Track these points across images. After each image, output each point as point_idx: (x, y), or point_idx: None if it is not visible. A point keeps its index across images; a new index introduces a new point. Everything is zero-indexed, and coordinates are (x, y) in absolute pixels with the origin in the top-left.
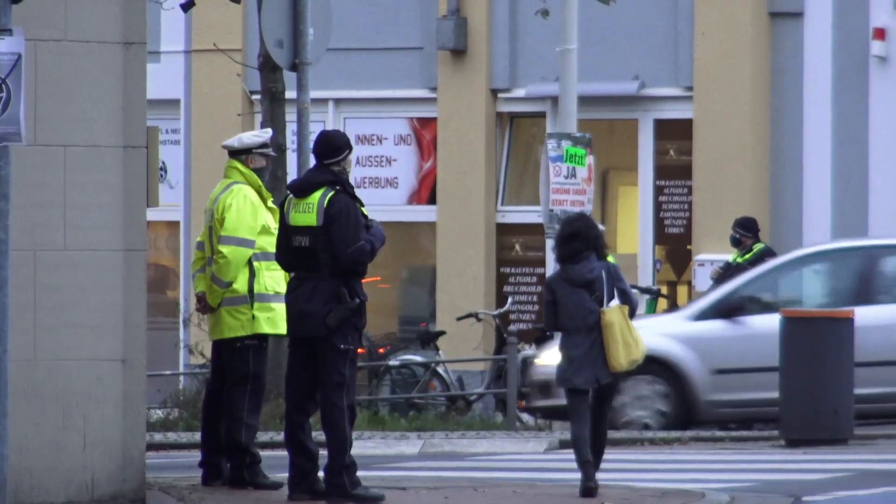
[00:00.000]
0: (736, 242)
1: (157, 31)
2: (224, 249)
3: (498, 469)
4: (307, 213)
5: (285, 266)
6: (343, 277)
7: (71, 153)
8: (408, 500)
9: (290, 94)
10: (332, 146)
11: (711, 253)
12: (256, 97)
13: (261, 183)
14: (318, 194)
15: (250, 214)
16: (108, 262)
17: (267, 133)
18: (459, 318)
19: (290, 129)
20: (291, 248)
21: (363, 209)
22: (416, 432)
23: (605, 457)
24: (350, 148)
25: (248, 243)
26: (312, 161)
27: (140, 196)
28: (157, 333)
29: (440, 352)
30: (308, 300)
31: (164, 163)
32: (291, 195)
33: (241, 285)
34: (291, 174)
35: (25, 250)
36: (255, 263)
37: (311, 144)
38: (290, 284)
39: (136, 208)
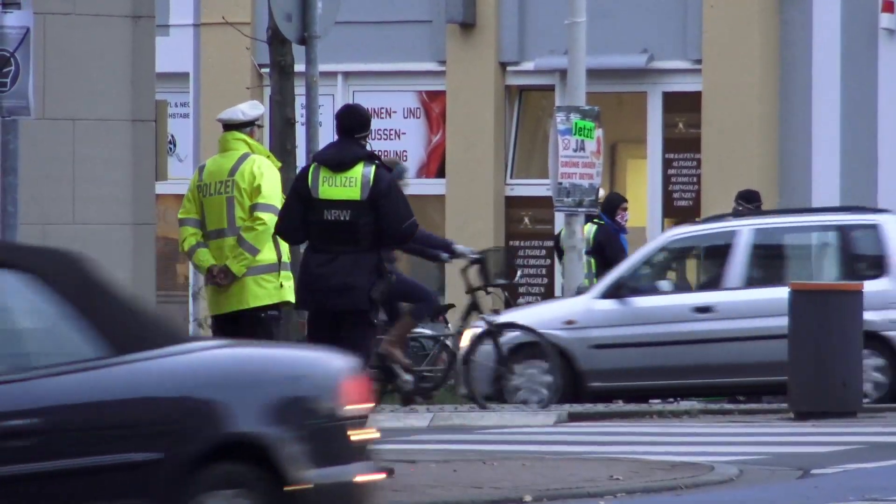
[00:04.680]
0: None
1: (166, 4)
2: (264, 216)
3: (507, 442)
4: (349, 186)
5: (299, 239)
6: (377, 251)
7: (80, 127)
8: (417, 473)
9: (299, 67)
10: (363, 120)
11: None
12: (265, 70)
13: (269, 153)
14: (359, 168)
15: (277, 184)
16: (118, 235)
17: (260, 105)
18: (469, 292)
19: (299, 102)
20: (323, 222)
21: None
22: (426, 405)
23: (614, 429)
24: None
25: (279, 211)
26: (323, 134)
27: (149, 169)
28: (166, 307)
29: (449, 325)
30: (349, 273)
31: (172, 136)
32: (321, 168)
33: (268, 254)
34: (301, 147)
35: (34, 224)
36: None
37: (334, 117)
38: (317, 258)
39: (144, 182)
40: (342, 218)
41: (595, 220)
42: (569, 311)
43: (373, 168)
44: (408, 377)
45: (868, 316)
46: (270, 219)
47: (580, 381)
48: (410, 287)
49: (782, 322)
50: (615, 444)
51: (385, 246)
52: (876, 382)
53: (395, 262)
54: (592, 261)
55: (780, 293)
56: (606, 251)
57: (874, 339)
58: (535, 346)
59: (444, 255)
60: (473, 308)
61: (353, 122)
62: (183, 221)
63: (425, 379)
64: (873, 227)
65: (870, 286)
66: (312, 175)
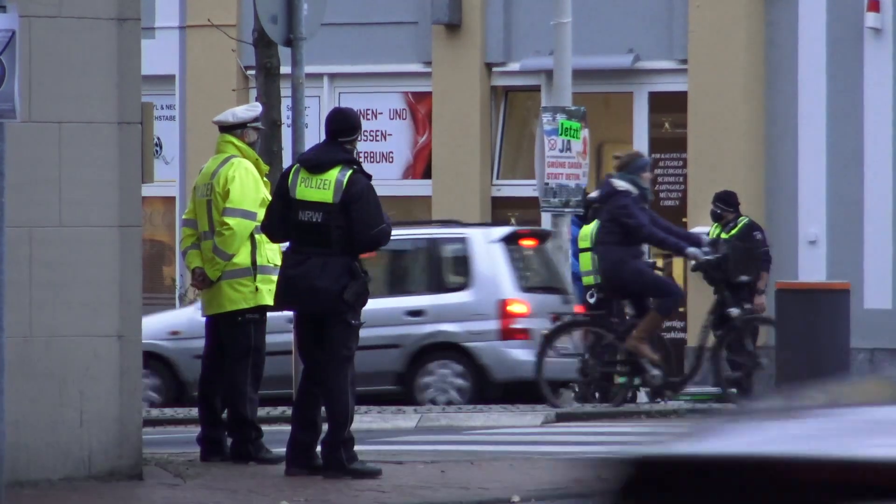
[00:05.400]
0: (717, 217)
1: (152, 6)
2: (230, 221)
3: (494, 442)
4: (323, 189)
5: (280, 238)
6: (352, 254)
7: (66, 129)
8: (404, 474)
9: (285, 69)
10: (349, 124)
11: (706, 225)
12: (251, 72)
13: (257, 156)
14: (335, 171)
15: (253, 187)
16: (104, 238)
17: (258, 107)
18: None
19: (285, 104)
20: (298, 223)
21: None
22: (413, 406)
23: (602, 429)
24: (361, 127)
25: (252, 215)
26: (308, 136)
27: (135, 172)
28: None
29: None
30: (318, 276)
31: (159, 138)
32: (301, 169)
33: (243, 258)
34: (287, 149)
35: (21, 227)
36: (257, 236)
37: (325, 120)
38: (291, 258)
39: (131, 184)
40: (314, 220)
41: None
42: (174, 321)
43: (348, 172)
44: (656, 372)
45: (449, 328)
46: (237, 223)
47: (185, 390)
48: (657, 282)
49: (384, 332)
50: (603, 444)
51: (356, 251)
52: (460, 388)
53: (641, 257)
54: (598, 257)
55: (382, 304)
56: None
57: (454, 350)
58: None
59: (689, 251)
60: (720, 303)
61: (338, 125)
62: (184, 222)
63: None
64: (462, 241)
65: (453, 298)
66: (293, 175)
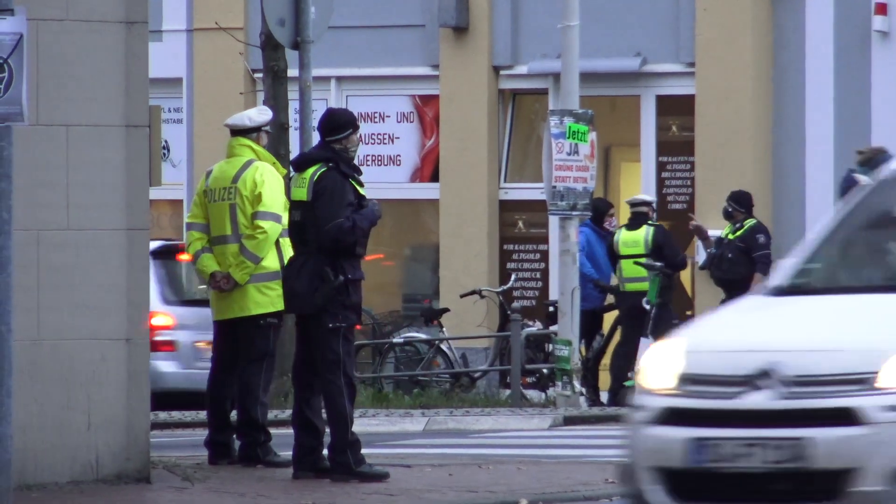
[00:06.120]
0: (728, 216)
1: (159, 9)
2: (264, 225)
3: (502, 446)
4: (301, 188)
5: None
6: (329, 254)
7: (73, 133)
8: (412, 478)
9: (293, 72)
10: (335, 124)
11: (714, 228)
12: (259, 75)
13: (274, 159)
14: (311, 170)
15: (279, 190)
16: (112, 241)
17: (269, 111)
18: (463, 296)
19: (293, 107)
20: (290, 223)
21: (361, 188)
22: (421, 409)
23: (609, 433)
24: (354, 127)
25: (280, 219)
26: (316, 139)
27: (143, 175)
28: None
29: (444, 329)
30: (296, 277)
31: (166, 142)
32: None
33: (271, 261)
34: (294, 152)
35: (28, 230)
36: (281, 239)
37: (317, 122)
38: (289, 259)
39: (138, 187)
40: (296, 218)
41: (650, 223)
42: None
43: (322, 170)
44: None
45: None
46: (271, 227)
47: None
48: None
49: None
50: (610, 447)
51: (330, 249)
52: None
53: None
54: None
55: None
56: (665, 252)
57: None
58: None
59: None
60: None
61: (325, 125)
62: (190, 226)
63: (418, 384)
64: None
65: None
66: (292, 178)
